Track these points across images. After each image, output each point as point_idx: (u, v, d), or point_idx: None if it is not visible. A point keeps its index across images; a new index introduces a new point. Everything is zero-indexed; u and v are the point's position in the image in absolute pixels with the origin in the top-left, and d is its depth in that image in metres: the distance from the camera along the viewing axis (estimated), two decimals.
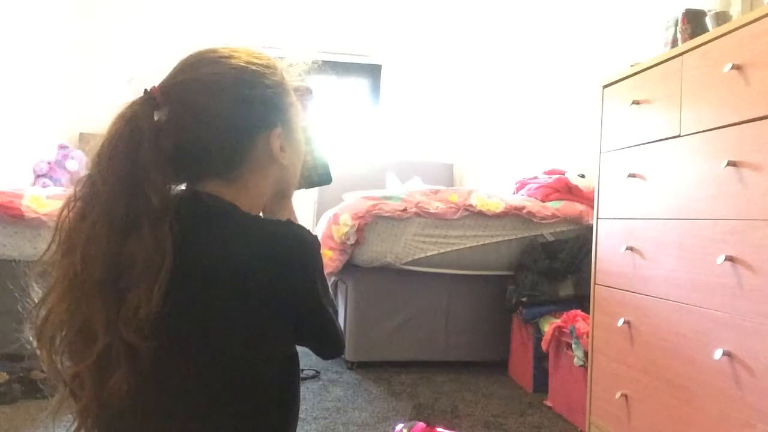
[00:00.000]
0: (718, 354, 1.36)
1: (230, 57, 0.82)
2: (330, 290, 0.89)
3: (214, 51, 0.83)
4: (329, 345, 0.90)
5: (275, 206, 0.94)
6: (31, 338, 0.74)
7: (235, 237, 0.77)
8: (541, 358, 2.46)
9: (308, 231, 0.82)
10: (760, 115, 1.29)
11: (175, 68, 0.83)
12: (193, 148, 0.79)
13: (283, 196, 0.93)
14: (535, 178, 3.14)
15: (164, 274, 0.70)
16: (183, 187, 0.84)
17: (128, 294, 0.69)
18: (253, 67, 0.83)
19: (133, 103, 0.77)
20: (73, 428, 0.73)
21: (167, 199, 0.75)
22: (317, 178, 1.03)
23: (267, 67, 0.85)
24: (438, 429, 1.76)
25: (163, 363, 0.72)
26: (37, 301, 0.75)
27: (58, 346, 0.73)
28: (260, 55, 0.86)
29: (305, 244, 0.81)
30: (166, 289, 0.70)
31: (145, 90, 0.79)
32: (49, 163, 4.00)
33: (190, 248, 0.74)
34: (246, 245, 0.76)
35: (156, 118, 0.78)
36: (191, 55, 0.84)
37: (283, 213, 0.94)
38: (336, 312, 0.89)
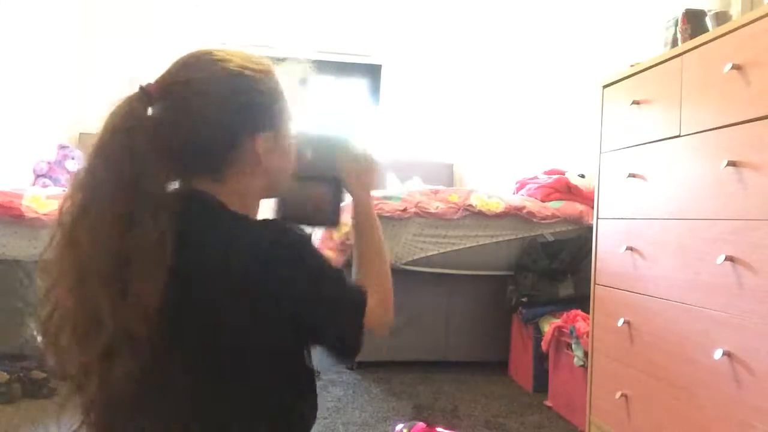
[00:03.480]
0: (718, 354, 1.36)
1: (225, 60, 0.83)
2: (341, 281, 0.86)
3: (209, 53, 0.84)
4: (339, 341, 0.88)
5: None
6: (35, 333, 0.75)
7: (220, 235, 0.79)
8: (541, 358, 2.46)
9: (293, 228, 0.83)
10: (760, 115, 1.29)
11: (171, 66, 0.84)
12: (185, 146, 0.81)
13: (269, 196, 0.94)
14: (535, 178, 3.14)
15: (166, 264, 0.72)
16: (178, 184, 0.85)
17: (132, 285, 0.71)
18: (247, 72, 0.84)
19: (130, 99, 0.79)
20: (74, 427, 0.74)
21: (165, 192, 0.78)
22: (323, 217, 1.01)
23: (261, 71, 0.86)
24: (438, 429, 1.76)
25: (161, 360, 0.72)
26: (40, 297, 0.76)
27: (64, 339, 0.73)
28: (255, 60, 0.87)
29: (285, 240, 0.80)
30: (165, 283, 0.72)
31: (141, 86, 0.80)
32: (49, 163, 4.00)
33: (183, 244, 0.75)
34: (230, 244, 0.78)
35: (150, 114, 0.80)
36: (189, 54, 0.85)
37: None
38: (354, 303, 0.87)
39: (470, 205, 2.77)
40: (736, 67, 1.35)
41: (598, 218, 2.00)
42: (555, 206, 2.84)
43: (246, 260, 0.77)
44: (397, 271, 2.75)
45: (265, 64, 0.88)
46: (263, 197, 0.91)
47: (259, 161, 0.85)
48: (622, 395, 1.77)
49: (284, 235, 0.81)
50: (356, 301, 0.88)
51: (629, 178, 1.79)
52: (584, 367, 2.04)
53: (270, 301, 0.77)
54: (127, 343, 0.70)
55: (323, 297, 0.83)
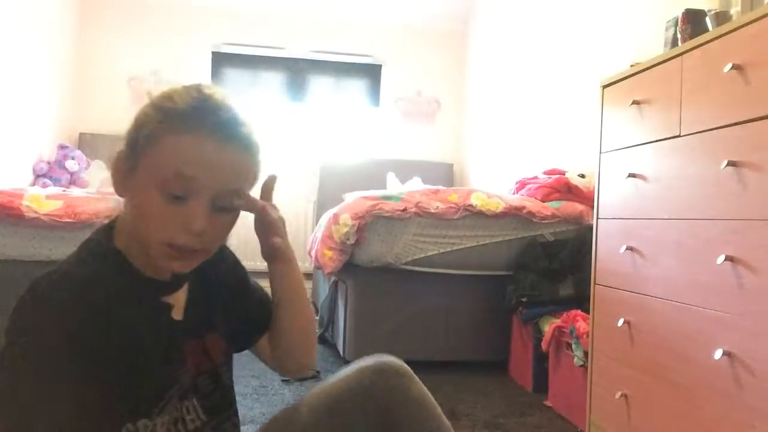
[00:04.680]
0: (718, 354, 1.36)
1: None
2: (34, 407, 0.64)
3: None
4: None
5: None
6: None
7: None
8: (541, 358, 2.46)
9: (56, 289, 0.71)
10: (760, 115, 1.29)
11: None
12: None
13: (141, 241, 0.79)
14: (535, 178, 3.14)
15: None
16: None
17: None
18: (160, 96, 0.79)
19: None
20: None
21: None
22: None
23: (151, 100, 0.79)
24: None
25: None
26: None
27: None
28: (167, 90, 0.80)
29: (23, 299, 0.70)
30: None
31: None
32: (49, 163, 4.00)
33: None
34: None
35: None
36: None
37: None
38: None
39: (470, 205, 2.77)
40: (736, 67, 1.35)
41: (598, 218, 2.00)
42: (555, 206, 2.84)
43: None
44: (397, 271, 2.77)
45: (159, 96, 0.79)
46: (140, 240, 0.78)
47: (112, 178, 0.80)
48: (622, 395, 1.77)
49: (28, 287, 0.70)
50: None
51: (629, 178, 1.79)
52: (584, 367, 2.04)
53: None
54: None
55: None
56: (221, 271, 0.95)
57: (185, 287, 0.88)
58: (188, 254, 0.77)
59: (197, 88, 0.78)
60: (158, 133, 0.75)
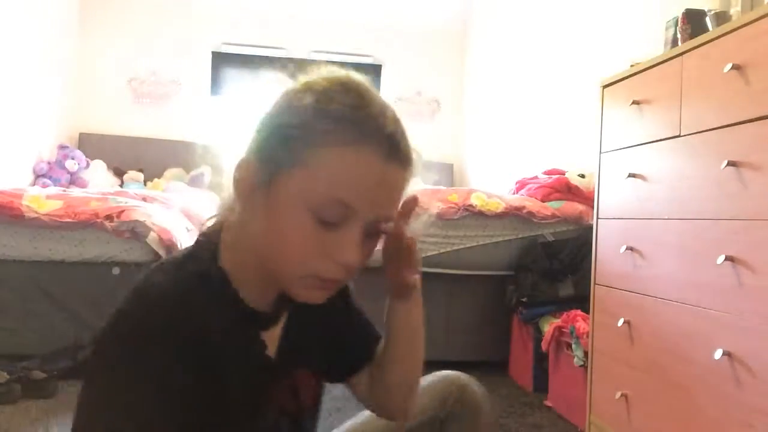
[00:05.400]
0: (718, 354, 1.36)
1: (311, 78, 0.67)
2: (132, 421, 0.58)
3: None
4: None
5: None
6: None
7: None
8: (541, 358, 2.46)
9: (162, 304, 0.62)
10: (760, 115, 1.29)
11: None
12: None
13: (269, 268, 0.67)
14: (535, 178, 3.14)
15: None
16: None
17: None
18: (311, 90, 0.64)
19: None
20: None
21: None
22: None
23: (289, 90, 0.66)
24: None
25: None
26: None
27: None
28: (311, 78, 0.66)
29: (126, 315, 0.62)
30: None
31: None
32: (49, 163, 4.00)
33: None
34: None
35: None
36: None
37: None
38: None
39: (470, 205, 2.77)
40: (736, 67, 1.35)
41: (598, 218, 2.00)
42: (555, 206, 2.84)
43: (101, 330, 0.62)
44: None
45: (311, 90, 0.64)
46: (264, 262, 0.67)
47: (237, 189, 0.66)
48: (622, 395, 1.77)
49: (131, 297, 0.63)
50: None
51: (629, 178, 1.79)
52: (584, 367, 2.04)
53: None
54: None
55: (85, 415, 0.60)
56: None
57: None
58: (331, 285, 0.66)
59: (352, 85, 0.64)
60: (315, 142, 0.61)
